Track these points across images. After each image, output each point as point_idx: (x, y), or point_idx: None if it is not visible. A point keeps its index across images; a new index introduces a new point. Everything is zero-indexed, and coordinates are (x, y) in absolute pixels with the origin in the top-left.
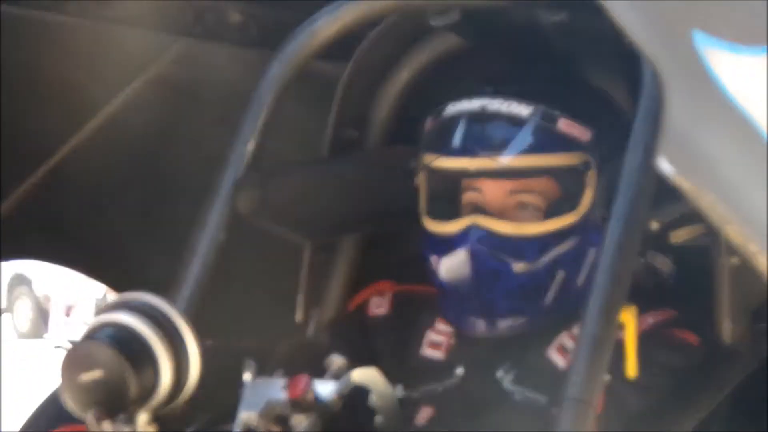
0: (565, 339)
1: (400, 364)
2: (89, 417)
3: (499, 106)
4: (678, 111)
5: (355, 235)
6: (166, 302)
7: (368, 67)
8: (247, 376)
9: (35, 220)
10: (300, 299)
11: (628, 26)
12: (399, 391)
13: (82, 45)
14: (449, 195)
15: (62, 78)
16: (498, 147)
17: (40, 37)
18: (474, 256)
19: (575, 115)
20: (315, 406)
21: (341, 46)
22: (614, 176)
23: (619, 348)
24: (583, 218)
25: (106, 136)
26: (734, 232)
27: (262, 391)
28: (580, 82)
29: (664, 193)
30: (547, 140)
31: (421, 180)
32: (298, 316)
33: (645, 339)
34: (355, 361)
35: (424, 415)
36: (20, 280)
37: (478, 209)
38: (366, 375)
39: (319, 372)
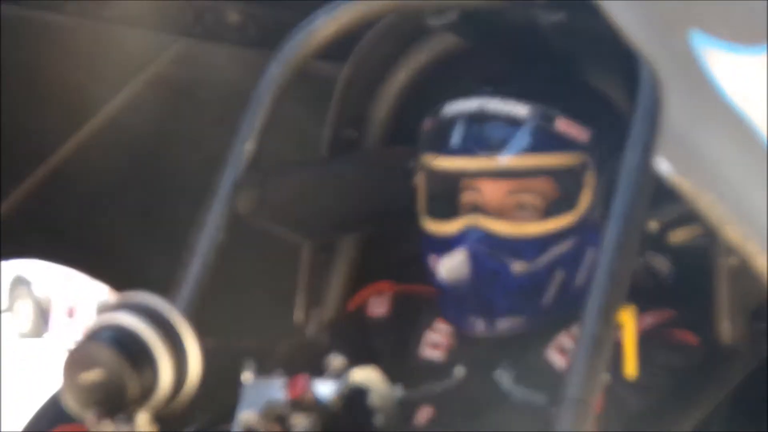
0: (564, 339)
1: (400, 364)
2: (89, 417)
3: (498, 106)
4: (676, 111)
5: (355, 235)
6: (166, 302)
7: (367, 67)
8: (247, 376)
9: (35, 220)
10: (300, 299)
11: (625, 26)
12: (398, 391)
13: (82, 45)
14: (448, 195)
15: (62, 78)
16: (497, 147)
17: (40, 37)
18: (473, 256)
19: (574, 115)
20: (315, 406)
21: (340, 46)
22: (613, 176)
23: (619, 348)
24: (582, 218)
25: (105, 136)
26: (733, 232)
27: (262, 391)
28: (578, 82)
29: (663, 193)
30: (545, 140)
31: (419, 180)
32: (298, 316)
33: (644, 339)
34: (355, 361)
35: (423, 415)
36: (21, 280)
37: (477, 209)
38: (365, 375)
39: (319, 372)
